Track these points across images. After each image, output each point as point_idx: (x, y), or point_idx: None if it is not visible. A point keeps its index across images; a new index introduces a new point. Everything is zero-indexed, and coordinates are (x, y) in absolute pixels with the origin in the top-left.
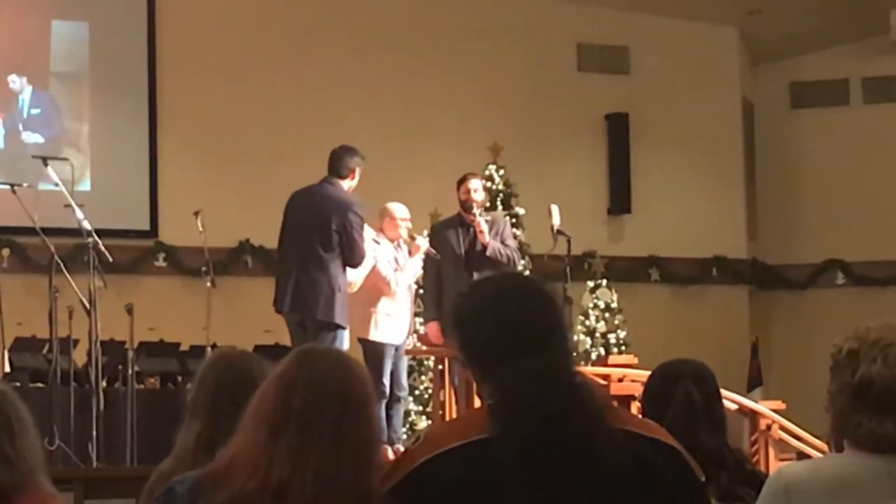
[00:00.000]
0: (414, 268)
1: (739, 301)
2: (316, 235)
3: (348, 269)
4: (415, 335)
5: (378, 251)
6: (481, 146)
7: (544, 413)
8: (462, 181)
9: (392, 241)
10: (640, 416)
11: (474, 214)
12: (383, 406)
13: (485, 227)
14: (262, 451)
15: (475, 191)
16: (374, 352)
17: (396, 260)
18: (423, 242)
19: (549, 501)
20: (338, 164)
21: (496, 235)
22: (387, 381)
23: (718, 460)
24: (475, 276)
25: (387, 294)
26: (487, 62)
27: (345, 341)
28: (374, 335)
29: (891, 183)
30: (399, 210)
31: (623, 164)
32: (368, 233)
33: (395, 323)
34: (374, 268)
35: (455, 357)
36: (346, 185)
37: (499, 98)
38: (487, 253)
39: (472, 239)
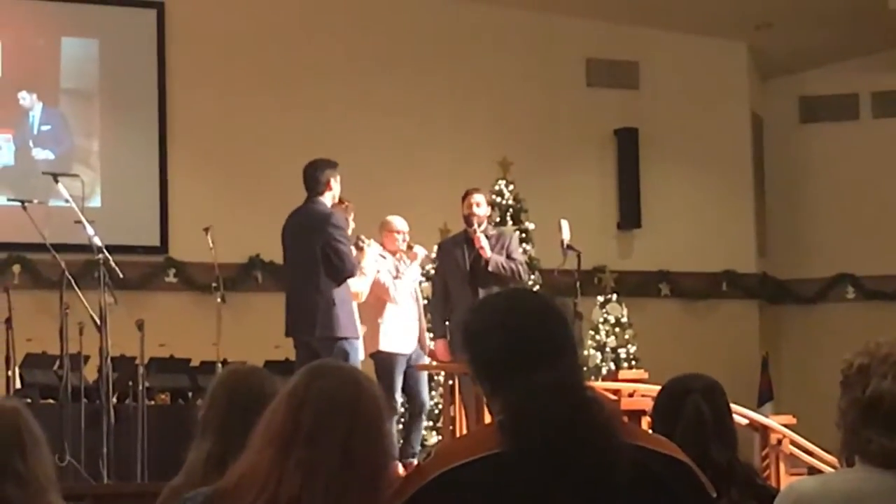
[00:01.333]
0: (412, 274)
1: (749, 315)
2: (303, 256)
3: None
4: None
5: (380, 264)
6: (491, 161)
7: (555, 428)
8: (465, 196)
9: (393, 253)
10: (650, 431)
11: (474, 230)
12: (394, 421)
13: (485, 243)
14: (272, 468)
15: (477, 205)
16: (384, 364)
17: (397, 269)
18: (421, 250)
19: None
20: (311, 182)
21: (502, 249)
22: (398, 395)
23: (728, 475)
24: (480, 291)
25: (389, 301)
26: (497, 77)
27: (356, 352)
28: (383, 345)
29: None
30: (395, 223)
31: (633, 179)
32: (374, 248)
33: (402, 333)
34: (375, 280)
35: (465, 372)
36: (327, 198)
37: (508, 113)
38: (490, 268)
39: (477, 254)
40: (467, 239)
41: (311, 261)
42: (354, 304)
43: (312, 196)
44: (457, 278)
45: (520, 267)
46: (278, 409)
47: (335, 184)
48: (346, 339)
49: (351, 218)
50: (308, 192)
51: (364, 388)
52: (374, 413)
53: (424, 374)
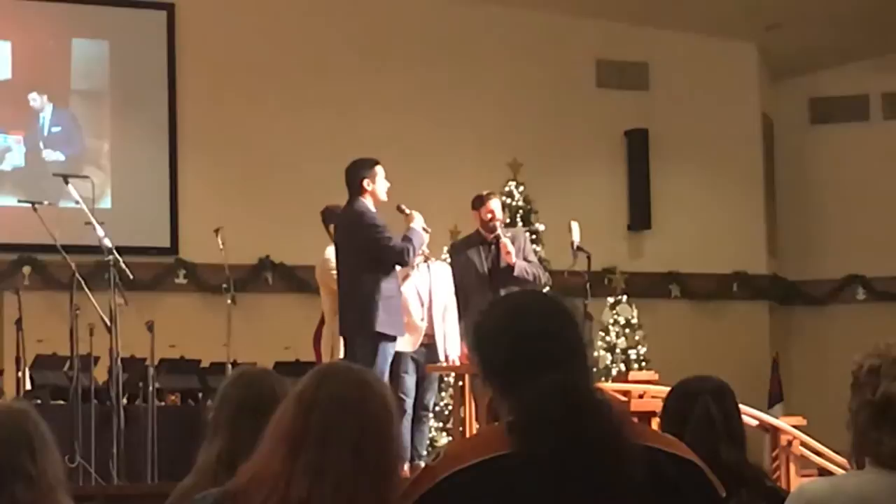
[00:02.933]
0: (434, 278)
1: (760, 317)
2: (345, 257)
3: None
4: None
5: None
6: (501, 163)
7: (564, 430)
8: (482, 202)
9: None
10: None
11: (498, 236)
12: (409, 421)
13: (511, 249)
14: (282, 470)
15: (496, 210)
16: None
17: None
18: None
19: None
20: (349, 183)
21: (518, 251)
22: (404, 394)
23: (738, 476)
24: (502, 293)
25: None
26: (507, 79)
27: (385, 355)
28: None
29: None
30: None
31: (643, 180)
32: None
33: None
34: None
35: (475, 374)
36: (367, 199)
37: (518, 114)
38: (515, 273)
39: (495, 257)
40: (483, 241)
41: (350, 261)
42: (399, 303)
43: (351, 198)
44: (474, 281)
45: (538, 270)
46: (287, 411)
47: (371, 184)
48: (381, 335)
49: None
50: (349, 194)
51: (374, 391)
52: (383, 415)
53: (433, 377)
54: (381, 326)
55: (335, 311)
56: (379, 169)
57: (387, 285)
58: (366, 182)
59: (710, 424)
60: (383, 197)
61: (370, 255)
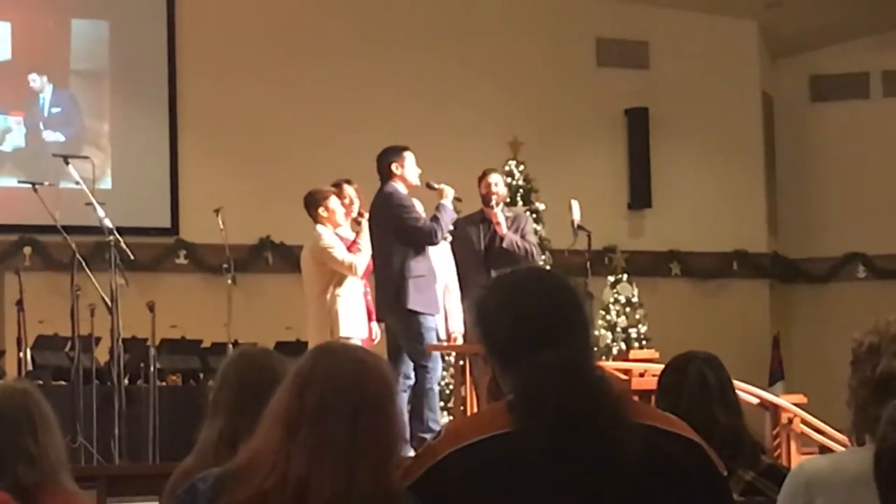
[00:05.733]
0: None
1: (760, 295)
2: (376, 240)
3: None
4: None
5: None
6: (501, 142)
7: (564, 408)
8: (483, 176)
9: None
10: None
11: (492, 206)
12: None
13: (502, 219)
14: (280, 449)
15: (496, 185)
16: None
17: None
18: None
19: (571, 496)
20: (379, 169)
21: (516, 231)
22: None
23: (736, 441)
24: (492, 272)
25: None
26: (507, 58)
27: (429, 330)
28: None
29: None
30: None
31: (643, 159)
32: (329, 236)
33: None
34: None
35: (476, 352)
36: (397, 183)
37: (518, 93)
38: (504, 244)
39: (492, 235)
40: (483, 219)
41: (380, 243)
42: (432, 282)
43: (382, 183)
44: (470, 258)
45: (533, 248)
46: (285, 390)
47: (399, 168)
48: (416, 313)
49: (349, 203)
50: (380, 180)
51: (370, 368)
52: (381, 394)
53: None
54: (413, 304)
55: (323, 290)
56: (408, 154)
57: (416, 264)
58: (394, 166)
59: (704, 386)
60: (414, 181)
61: (399, 235)
